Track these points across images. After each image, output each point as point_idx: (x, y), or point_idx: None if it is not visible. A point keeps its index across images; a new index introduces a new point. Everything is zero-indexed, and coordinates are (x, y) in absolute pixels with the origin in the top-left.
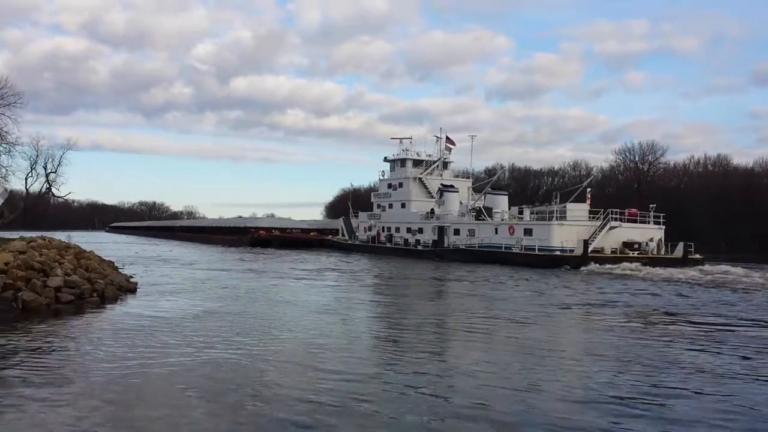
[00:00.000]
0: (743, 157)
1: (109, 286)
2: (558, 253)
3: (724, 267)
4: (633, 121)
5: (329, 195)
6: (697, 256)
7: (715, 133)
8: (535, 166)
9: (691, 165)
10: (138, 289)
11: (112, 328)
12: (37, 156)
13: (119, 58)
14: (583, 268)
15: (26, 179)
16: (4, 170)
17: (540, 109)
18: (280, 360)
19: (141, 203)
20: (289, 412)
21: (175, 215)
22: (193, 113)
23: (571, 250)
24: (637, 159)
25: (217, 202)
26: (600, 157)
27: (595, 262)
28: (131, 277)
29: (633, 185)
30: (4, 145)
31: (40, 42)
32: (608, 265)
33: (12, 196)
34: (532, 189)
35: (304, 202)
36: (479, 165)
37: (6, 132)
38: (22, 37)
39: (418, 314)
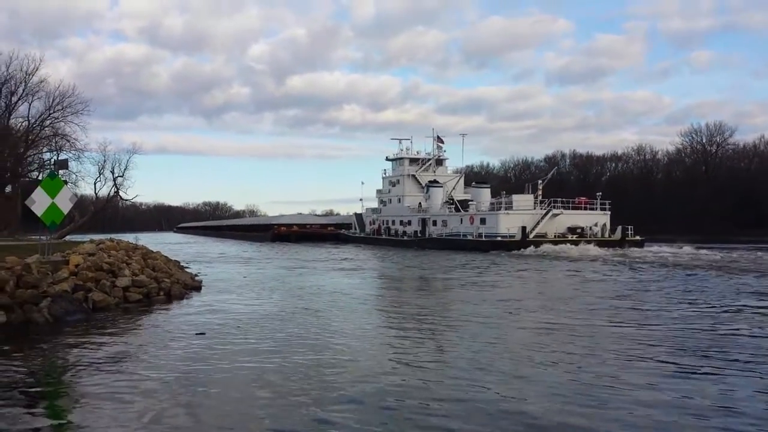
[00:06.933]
0: None
1: (175, 285)
2: (499, 238)
3: (655, 247)
4: (700, 102)
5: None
6: (637, 237)
7: None
8: (598, 152)
9: (762, 145)
10: (203, 287)
11: (178, 326)
12: (105, 161)
13: (179, 61)
14: (519, 251)
15: (95, 184)
16: (74, 176)
17: (602, 92)
18: (343, 361)
19: (205, 203)
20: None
21: (238, 214)
22: (251, 113)
23: (512, 236)
24: (704, 141)
25: (276, 200)
26: (665, 140)
27: (535, 246)
28: (196, 275)
29: (701, 168)
30: (74, 152)
31: (102, 49)
32: (546, 247)
33: (82, 200)
34: (595, 175)
35: (359, 197)
36: (539, 153)
37: (75, 139)
38: (85, 45)
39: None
